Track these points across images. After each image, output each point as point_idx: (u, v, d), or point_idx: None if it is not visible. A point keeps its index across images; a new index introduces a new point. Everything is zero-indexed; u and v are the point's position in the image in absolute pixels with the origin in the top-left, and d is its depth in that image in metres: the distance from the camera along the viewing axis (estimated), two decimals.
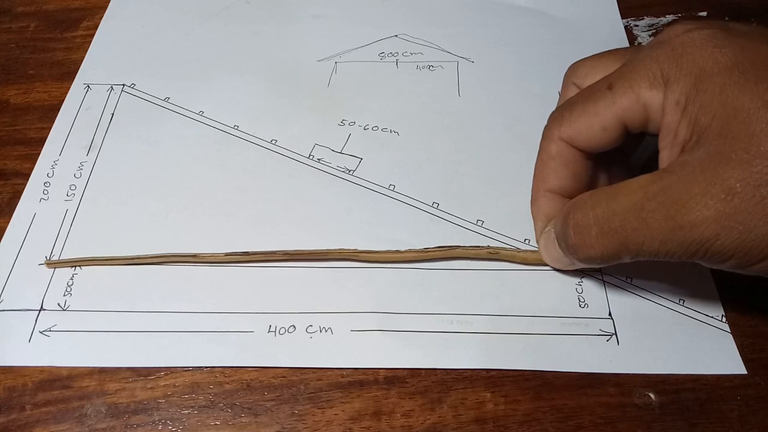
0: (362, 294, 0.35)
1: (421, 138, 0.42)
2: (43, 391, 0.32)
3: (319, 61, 0.46)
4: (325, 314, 0.34)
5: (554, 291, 0.35)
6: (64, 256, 0.36)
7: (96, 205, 0.39)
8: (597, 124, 0.30)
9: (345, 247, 0.36)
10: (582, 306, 0.34)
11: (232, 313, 0.34)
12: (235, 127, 0.42)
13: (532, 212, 0.35)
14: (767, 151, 0.24)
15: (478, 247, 0.36)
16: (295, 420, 0.31)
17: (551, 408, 0.31)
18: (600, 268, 0.35)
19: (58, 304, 0.35)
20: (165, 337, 0.34)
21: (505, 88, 0.44)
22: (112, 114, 0.43)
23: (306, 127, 0.42)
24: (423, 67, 0.46)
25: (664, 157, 0.28)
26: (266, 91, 0.45)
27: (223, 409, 0.31)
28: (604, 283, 0.35)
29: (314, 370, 0.32)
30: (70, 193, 0.39)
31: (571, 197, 0.33)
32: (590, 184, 0.34)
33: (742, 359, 0.32)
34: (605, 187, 0.30)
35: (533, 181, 0.35)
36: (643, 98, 0.28)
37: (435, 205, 0.38)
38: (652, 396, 0.31)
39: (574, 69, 0.34)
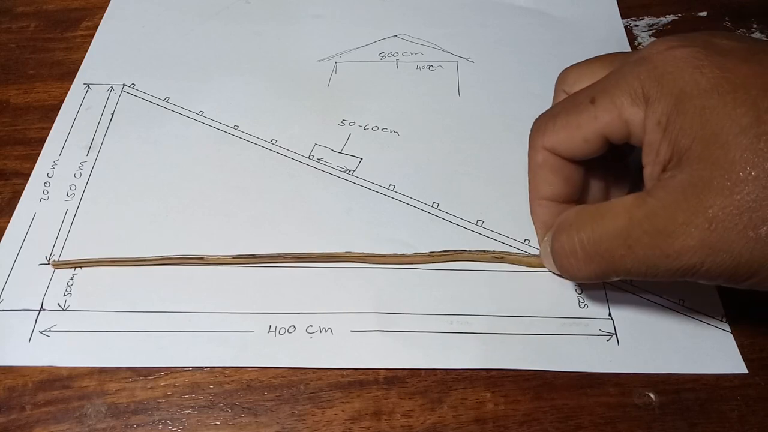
0: (362, 294, 0.35)
1: (421, 138, 0.42)
2: (43, 391, 0.32)
3: (319, 61, 0.46)
4: (325, 314, 0.34)
5: (554, 291, 0.35)
6: (64, 256, 0.36)
7: (96, 205, 0.39)
8: (578, 136, 0.30)
9: (348, 249, 0.36)
10: (582, 306, 0.34)
11: (232, 313, 0.34)
12: (235, 127, 0.42)
13: (532, 220, 0.36)
14: (746, 178, 0.24)
15: (484, 251, 0.36)
16: (295, 420, 0.31)
17: (551, 408, 0.31)
18: None
19: (58, 304, 0.35)
20: (165, 337, 0.34)
21: (505, 88, 0.44)
22: (112, 114, 0.43)
23: (306, 127, 0.42)
24: (423, 67, 0.46)
25: (647, 174, 0.28)
26: (266, 91, 0.45)
27: (223, 409, 0.31)
28: (604, 284, 0.35)
29: (314, 370, 0.32)
30: (70, 193, 0.39)
31: (567, 202, 0.33)
32: (584, 186, 0.34)
33: (743, 359, 0.32)
34: (590, 207, 0.30)
35: (528, 190, 0.35)
36: (624, 115, 0.28)
37: (435, 205, 0.38)
38: (652, 396, 0.31)
39: (563, 76, 0.34)
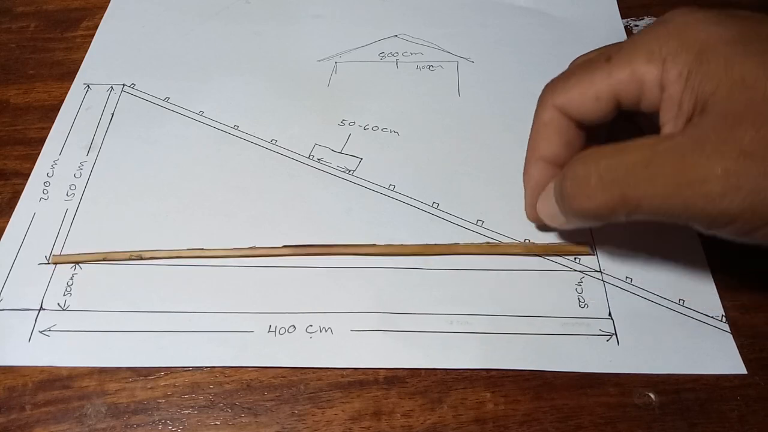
0: (362, 294, 0.35)
1: (421, 138, 0.42)
2: (43, 391, 0.32)
3: (319, 61, 0.46)
4: (325, 314, 0.34)
5: (554, 291, 0.35)
6: (65, 255, 0.36)
7: (96, 204, 0.39)
8: (591, 93, 0.30)
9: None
10: (582, 306, 0.34)
11: (232, 313, 0.34)
12: (235, 127, 0.42)
13: (523, 180, 0.35)
14: None
15: (479, 244, 0.36)
16: (295, 420, 0.31)
17: (551, 408, 0.31)
18: (600, 269, 0.35)
19: (58, 304, 0.35)
20: (165, 337, 0.34)
21: (505, 88, 0.44)
22: (112, 114, 0.43)
23: (306, 127, 0.42)
24: (423, 67, 0.46)
25: (668, 131, 0.28)
26: (266, 91, 0.45)
27: (223, 409, 0.31)
28: (604, 283, 0.35)
29: (314, 370, 0.32)
30: (70, 192, 0.39)
31: (561, 166, 0.32)
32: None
33: (742, 359, 0.32)
34: (607, 145, 0.29)
35: (527, 150, 0.35)
36: (639, 72, 0.28)
37: (435, 205, 0.38)
38: (652, 396, 0.31)
39: (573, 61, 0.34)
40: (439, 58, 0.46)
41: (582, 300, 0.34)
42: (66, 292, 0.35)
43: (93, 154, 0.41)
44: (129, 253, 0.36)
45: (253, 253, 0.36)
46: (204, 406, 0.32)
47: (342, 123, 0.42)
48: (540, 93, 0.33)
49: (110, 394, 0.32)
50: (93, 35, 0.49)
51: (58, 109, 0.44)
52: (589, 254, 0.36)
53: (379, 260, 0.36)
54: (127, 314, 0.34)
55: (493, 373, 0.32)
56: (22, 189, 0.39)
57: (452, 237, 0.37)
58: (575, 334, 0.33)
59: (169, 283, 0.35)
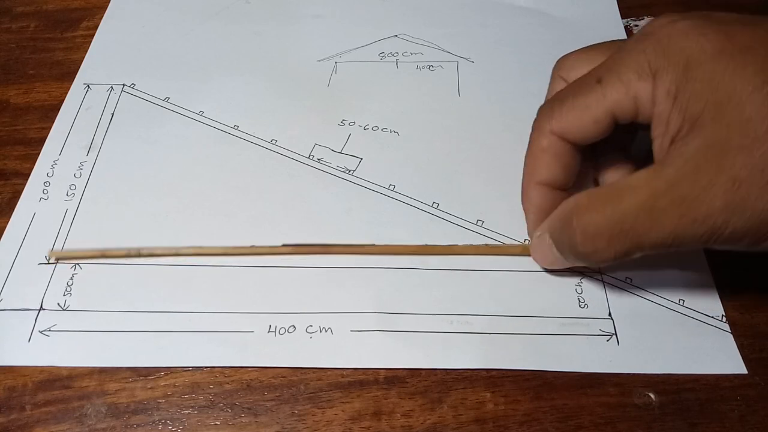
0: (362, 294, 0.35)
1: (421, 138, 0.42)
2: (43, 391, 0.32)
3: (319, 61, 0.46)
4: (325, 314, 0.34)
5: (554, 291, 0.35)
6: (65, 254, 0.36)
7: (96, 204, 0.39)
8: (588, 117, 0.30)
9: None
10: (582, 306, 0.34)
11: (232, 313, 0.34)
12: (235, 127, 0.42)
13: (523, 205, 0.35)
14: (765, 134, 0.25)
15: (478, 246, 0.36)
16: (295, 420, 0.31)
17: (551, 408, 0.31)
18: (599, 269, 0.35)
19: (58, 304, 0.35)
20: (165, 337, 0.34)
21: (505, 88, 0.44)
22: (112, 114, 0.43)
23: (306, 127, 0.42)
24: (423, 67, 0.46)
25: (658, 147, 0.28)
26: (266, 91, 0.45)
27: (223, 409, 0.31)
28: (604, 284, 0.35)
29: (314, 370, 0.32)
30: (70, 192, 0.39)
31: (560, 188, 0.33)
32: (579, 174, 0.34)
33: (743, 359, 0.32)
34: (601, 189, 0.30)
35: (524, 174, 0.35)
36: (632, 90, 0.28)
37: (435, 205, 0.38)
38: (652, 396, 0.31)
39: (560, 63, 0.35)
40: (439, 58, 0.46)
41: (582, 300, 0.34)
42: (66, 292, 0.35)
43: (93, 154, 0.41)
44: (127, 250, 0.36)
45: (252, 251, 0.36)
46: (204, 406, 0.32)
47: (342, 123, 0.42)
48: (536, 116, 0.34)
49: (110, 394, 0.32)
50: (93, 35, 0.49)
51: (58, 109, 0.44)
52: None
53: (378, 260, 0.36)
54: (127, 314, 0.34)
55: (493, 373, 0.32)
56: (22, 189, 0.39)
57: (452, 237, 0.37)
58: (575, 334, 0.33)
59: (169, 283, 0.35)
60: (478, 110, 0.43)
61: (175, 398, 0.32)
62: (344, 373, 0.32)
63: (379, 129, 0.42)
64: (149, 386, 0.32)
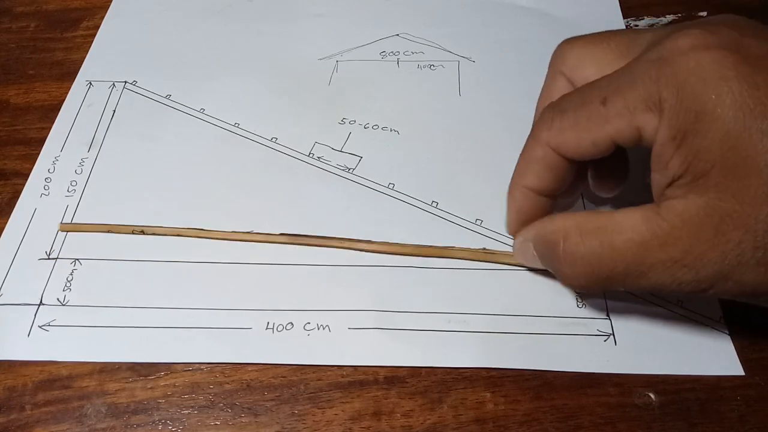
0: (360, 292, 0.35)
1: (422, 137, 0.42)
2: (43, 391, 0.32)
3: (320, 59, 0.46)
4: (322, 312, 0.34)
5: (552, 291, 0.35)
6: (64, 252, 0.37)
7: (96, 201, 0.39)
8: (587, 138, 0.29)
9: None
10: (579, 306, 0.34)
11: (231, 310, 0.34)
12: (236, 125, 0.42)
13: (507, 200, 0.34)
14: (766, 216, 0.24)
15: (474, 250, 0.36)
16: (295, 420, 0.31)
17: (551, 408, 0.31)
18: None
19: (58, 299, 0.35)
20: (163, 333, 0.34)
21: (505, 87, 0.44)
22: (114, 111, 0.43)
23: (306, 126, 0.42)
24: (424, 67, 0.46)
25: (655, 181, 0.27)
26: (267, 89, 0.45)
27: (223, 409, 0.31)
28: None
29: (314, 370, 0.32)
30: (71, 189, 0.39)
31: (547, 196, 0.32)
32: (570, 184, 0.33)
33: (742, 359, 0.32)
34: (591, 221, 0.29)
35: (514, 172, 0.33)
36: (637, 121, 0.27)
37: (434, 204, 0.38)
38: (652, 396, 0.31)
39: (562, 57, 0.33)
40: (440, 57, 0.46)
41: (579, 300, 0.34)
42: (66, 288, 0.35)
43: (94, 151, 0.41)
44: (132, 228, 0.37)
45: (250, 238, 0.36)
46: (204, 406, 0.32)
47: (342, 121, 0.42)
48: (533, 122, 0.32)
49: (110, 394, 0.32)
50: (93, 35, 0.49)
51: (58, 109, 0.44)
52: None
53: (376, 258, 0.36)
54: (126, 310, 0.34)
55: (493, 373, 0.32)
56: (22, 189, 0.39)
57: (451, 236, 0.37)
58: (573, 334, 0.33)
59: (168, 279, 0.35)
60: (478, 110, 0.43)
61: (175, 398, 0.32)
62: (344, 373, 0.32)
63: (380, 128, 0.42)
64: (149, 386, 0.32)
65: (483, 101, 0.43)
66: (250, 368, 0.33)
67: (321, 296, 0.35)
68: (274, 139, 0.41)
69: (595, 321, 0.34)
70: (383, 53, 0.47)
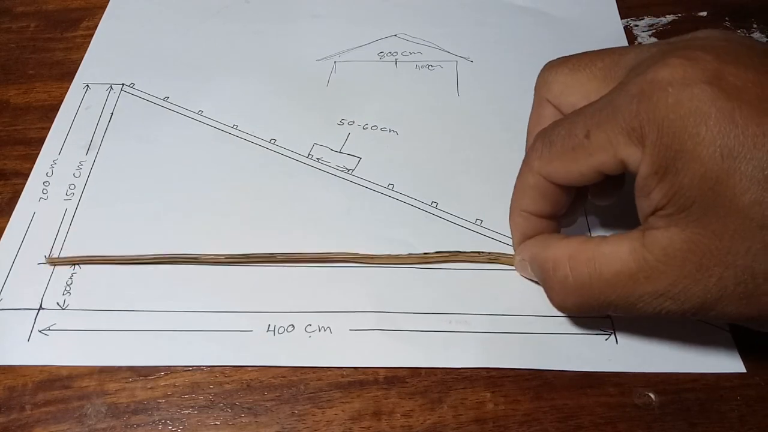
0: (361, 293, 0.35)
1: (420, 137, 0.42)
2: (43, 391, 0.32)
3: (319, 60, 0.46)
4: (323, 313, 0.34)
5: None
6: (63, 255, 0.36)
7: (95, 204, 0.39)
8: (574, 169, 0.29)
9: (347, 248, 0.36)
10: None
11: (231, 312, 0.34)
12: (234, 127, 0.42)
13: (510, 224, 0.35)
14: (746, 251, 0.25)
15: (479, 252, 0.36)
16: (295, 420, 0.31)
17: (551, 408, 0.31)
18: None
19: (57, 303, 0.35)
20: (164, 336, 0.34)
21: (504, 87, 0.44)
22: (112, 113, 0.43)
23: (305, 127, 0.42)
24: (422, 67, 0.46)
25: (639, 205, 0.28)
26: (265, 90, 0.45)
27: (223, 409, 0.31)
28: None
29: (314, 370, 0.32)
30: (70, 192, 0.39)
31: (547, 218, 0.33)
32: (570, 205, 0.33)
33: (743, 359, 0.32)
34: (582, 251, 0.29)
35: (512, 196, 0.34)
36: (620, 154, 0.27)
37: (434, 205, 0.38)
38: (652, 396, 0.31)
39: (547, 85, 0.33)
40: (438, 57, 0.46)
41: None
42: (65, 292, 0.35)
43: (92, 154, 0.41)
44: (124, 258, 0.36)
45: (245, 260, 0.36)
46: (204, 406, 0.32)
47: (341, 122, 0.43)
48: (525, 147, 0.33)
49: (110, 394, 0.32)
50: (93, 35, 0.49)
51: (58, 109, 0.44)
52: None
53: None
54: (126, 313, 0.34)
55: (493, 373, 0.32)
56: (22, 189, 0.39)
57: (451, 236, 0.37)
58: (573, 333, 0.33)
59: (168, 283, 0.35)
60: (477, 110, 0.43)
61: (175, 398, 0.32)
62: (344, 373, 0.32)
63: (378, 128, 0.42)
64: (149, 386, 0.32)
65: (481, 101, 0.44)
66: (250, 368, 0.33)
67: (322, 298, 0.35)
68: (272, 141, 0.41)
69: (595, 320, 0.34)
70: (381, 54, 0.47)
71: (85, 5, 0.51)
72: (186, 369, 0.33)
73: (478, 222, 0.37)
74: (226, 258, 0.36)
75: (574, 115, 0.30)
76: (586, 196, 0.34)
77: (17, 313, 0.35)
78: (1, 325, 0.34)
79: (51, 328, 0.34)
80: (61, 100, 0.44)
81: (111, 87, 0.45)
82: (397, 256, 0.36)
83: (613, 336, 0.33)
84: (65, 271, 0.36)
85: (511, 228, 0.35)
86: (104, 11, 0.50)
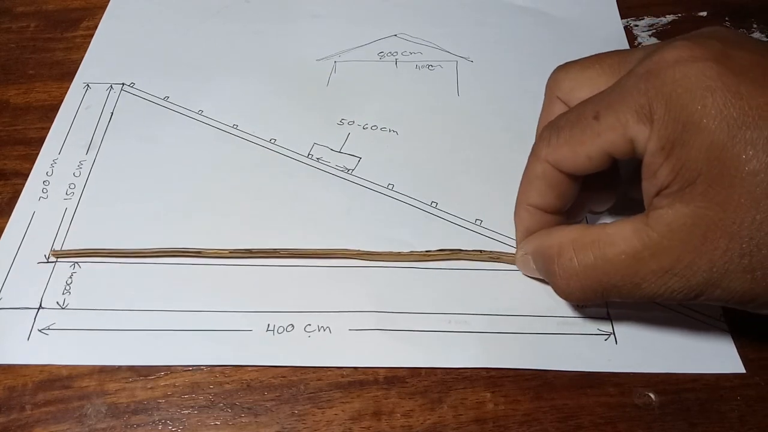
0: (360, 293, 0.35)
1: (420, 137, 0.42)
2: (43, 391, 0.32)
3: (319, 60, 0.46)
4: (323, 313, 0.34)
5: (552, 291, 0.34)
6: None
7: (95, 203, 0.39)
8: (582, 153, 0.29)
9: (346, 248, 0.36)
10: (580, 305, 0.34)
11: (231, 312, 0.34)
12: (234, 127, 0.42)
13: (514, 221, 0.35)
14: (751, 223, 0.25)
15: (481, 251, 0.36)
16: (295, 420, 0.31)
17: (551, 408, 0.31)
18: None
19: (57, 303, 0.35)
20: (163, 335, 0.34)
21: (504, 87, 0.44)
22: (112, 113, 0.43)
23: (305, 127, 0.42)
24: (422, 67, 0.46)
25: (645, 189, 0.28)
26: (265, 90, 0.45)
27: (223, 409, 0.31)
28: None
29: (314, 370, 0.32)
30: (69, 191, 0.39)
31: (552, 213, 0.33)
32: (574, 201, 0.33)
33: (742, 359, 0.32)
34: (586, 235, 0.30)
35: (518, 192, 0.34)
36: (629, 133, 0.27)
37: (434, 205, 0.38)
38: (652, 396, 0.31)
39: (557, 82, 0.33)
40: (439, 57, 0.46)
41: None
42: (65, 291, 0.35)
43: (92, 153, 0.41)
44: (125, 252, 0.36)
45: (250, 255, 0.36)
46: (204, 406, 0.32)
47: (341, 122, 0.42)
48: (535, 141, 0.33)
49: (110, 394, 0.32)
50: (93, 35, 0.49)
51: (58, 109, 0.44)
52: None
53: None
54: (125, 313, 0.34)
55: (493, 373, 0.32)
56: (22, 189, 0.39)
57: (450, 236, 0.37)
58: (573, 333, 0.33)
59: (168, 282, 0.35)
60: (477, 110, 0.43)
61: (175, 398, 0.32)
62: (344, 373, 0.32)
63: (378, 128, 0.42)
64: (149, 386, 0.32)
65: (481, 101, 0.44)
66: (250, 368, 0.33)
67: (321, 298, 0.35)
68: (272, 140, 0.41)
69: (595, 320, 0.34)
70: (381, 54, 0.47)
71: (85, 5, 0.51)
72: (186, 369, 0.33)
73: (478, 222, 0.37)
74: (230, 252, 0.36)
75: (582, 102, 0.30)
76: (589, 198, 0.34)
77: (17, 312, 0.35)
78: (0, 324, 0.34)
79: (51, 328, 0.34)
80: (61, 100, 0.44)
81: (111, 87, 0.45)
82: (399, 254, 0.36)
83: (612, 336, 0.33)
84: (65, 270, 0.36)
85: (515, 223, 0.35)
86: (104, 11, 0.50)
